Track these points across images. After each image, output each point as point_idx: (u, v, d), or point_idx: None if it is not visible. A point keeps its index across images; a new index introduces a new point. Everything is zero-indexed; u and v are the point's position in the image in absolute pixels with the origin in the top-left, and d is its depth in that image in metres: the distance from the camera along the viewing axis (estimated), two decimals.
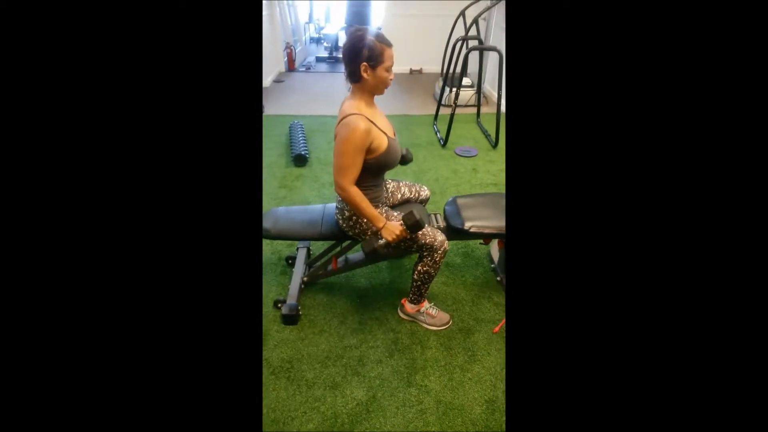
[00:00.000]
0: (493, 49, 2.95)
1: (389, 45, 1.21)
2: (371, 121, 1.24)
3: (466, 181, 2.64)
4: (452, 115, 3.02)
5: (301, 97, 4.18)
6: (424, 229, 1.40)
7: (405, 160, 1.51)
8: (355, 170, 1.25)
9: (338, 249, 1.65)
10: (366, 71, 1.21)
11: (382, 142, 1.28)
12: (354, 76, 1.24)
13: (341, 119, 1.24)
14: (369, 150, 1.26)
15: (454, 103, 3.00)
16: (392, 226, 1.32)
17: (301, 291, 1.65)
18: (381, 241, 1.32)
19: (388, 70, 1.23)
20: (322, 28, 6.44)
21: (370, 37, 1.18)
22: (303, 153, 2.73)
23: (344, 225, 1.44)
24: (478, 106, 3.55)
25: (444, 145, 3.09)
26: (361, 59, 1.19)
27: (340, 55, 5.34)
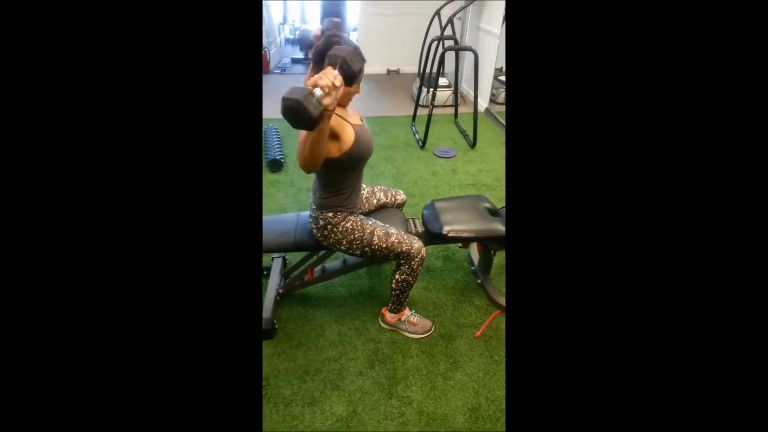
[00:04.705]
0: (469, 49, 2.94)
1: (364, 61, 1.14)
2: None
3: (445, 183, 2.61)
4: (430, 116, 2.99)
5: (275, 99, 4.02)
6: (400, 236, 1.36)
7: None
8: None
9: (314, 259, 1.60)
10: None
11: (347, 134, 1.20)
12: None
13: None
14: (336, 147, 1.19)
15: (432, 103, 2.98)
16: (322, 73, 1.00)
17: (276, 303, 1.59)
18: (317, 92, 0.96)
19: (359, 84, 1.18)
20: (297, 29, 6.33)
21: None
22: (278, 158, 2.66)
23: (318, 234, 1.39)
24: (456, 106, 3.53)
25: (423, 146, 3.06)
26: None
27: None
